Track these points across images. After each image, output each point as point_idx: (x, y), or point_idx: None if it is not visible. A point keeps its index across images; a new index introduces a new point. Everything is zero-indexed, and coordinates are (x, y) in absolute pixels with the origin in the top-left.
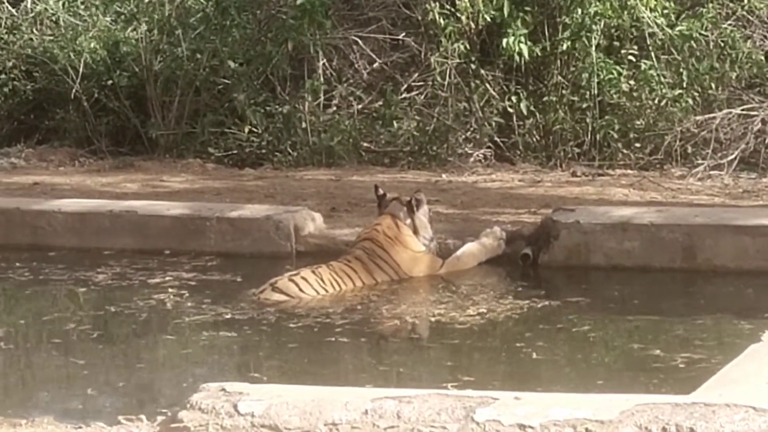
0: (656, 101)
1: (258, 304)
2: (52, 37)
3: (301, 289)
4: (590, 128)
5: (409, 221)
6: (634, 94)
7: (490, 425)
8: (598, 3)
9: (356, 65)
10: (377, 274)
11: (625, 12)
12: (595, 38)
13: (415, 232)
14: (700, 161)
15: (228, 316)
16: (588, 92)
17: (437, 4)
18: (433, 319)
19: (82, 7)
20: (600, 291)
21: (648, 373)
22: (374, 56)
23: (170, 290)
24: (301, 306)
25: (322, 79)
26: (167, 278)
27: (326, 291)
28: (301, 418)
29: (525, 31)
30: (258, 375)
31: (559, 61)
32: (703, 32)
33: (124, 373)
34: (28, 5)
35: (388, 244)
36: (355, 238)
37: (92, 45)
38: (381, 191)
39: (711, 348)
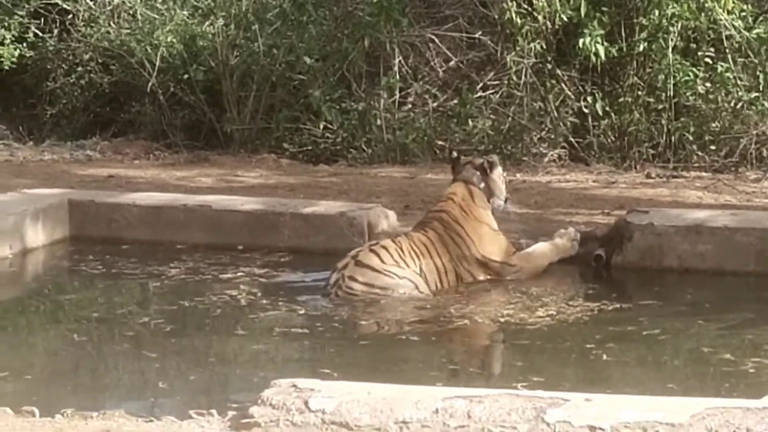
0: (732, 104)
1: (334, 297)
2: (129, 31)
3: (382, 260)
4: (665, 130)
5: (483, 185)
6: (710, 96)
7: (561, 426)
8: (675, 5)
9: (432, 63)
10: (452, 248)
11: (702, 14)
12: (671, 40)
13: (491, 195)
14: None
15: (301, 312)
16: (664, 94)
17: (514, 3)
18: (502, 319)
19: (160, 0)
20: (672, 294)
21: (718, 378)
22: (450, 54)
23: (242, 286)
24: (373, 305)
25: (397, 76)
26: (239, 274)
27: (405, 263)
28: (371, 416)
29: (601, 31)
30: (329, 371)
31: (635, 62)
32: None
33: (196, 368)
34: None
35: (463, 217)
36: (432, 206)
37: (169, 39)
38: (455, 153)
39: None
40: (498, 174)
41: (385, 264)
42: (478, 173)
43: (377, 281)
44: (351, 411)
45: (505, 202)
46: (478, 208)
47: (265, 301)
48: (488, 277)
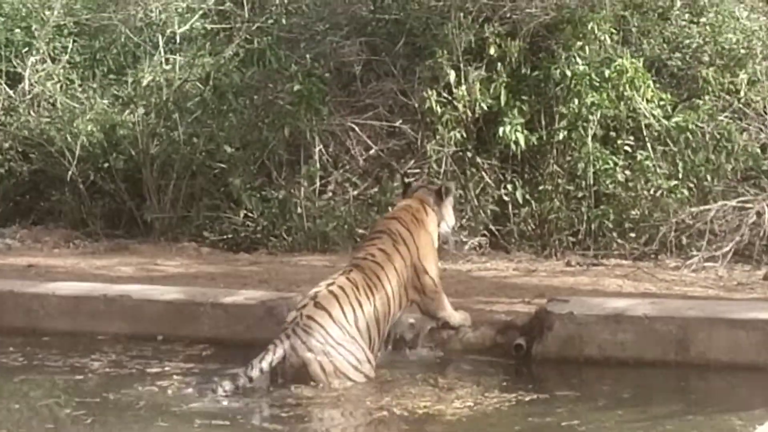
0: (652, 192)
1: (291, 333)
2: (49, 119)
3: (340, 304)
4: (585, 217)
5: (436, 208)
6: (630, 184)
7: None
8: (594, 93)
9: (352, 151)
10: (397, 260)
11: (622, 103)
12: (591, 128)
13: (441, 219)
14: (694, 252)
15: (223, 405)
16: (584, 182)
17: (434, 92)
18: (420, 411)
19: (80, 89)
20: (592, 385)
21: None
22: (370, 143)
23: (165, 379)
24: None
25: (318, 164)
26: (166, 368)
27: (360, 306)
28: None
29: (521, 120)
30: None
31: (555, 150)
32: (699, 124)
33: None
34: (26, 87)
35: (414, 225)
36: (380, 218)
37: (89, 128)
38: (407, 180)
39: None
40: (450, 202)
41: (343, 307)
42: (434, 195)
43: (330, 337)
44: None
45: (452, 232)
46: (429, 223)
47: (187, 393)
48: (411, 301)
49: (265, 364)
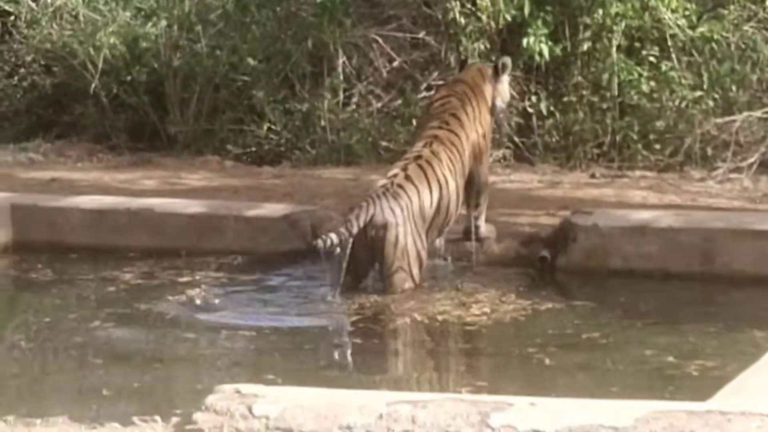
0: (676, 103)
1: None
2: (71, 32)
3: (428, 179)
4: (610, 129)
5: (493, 82)
6: (655, 95)
7: (506, 430)
8: (619, 4)
9: (376, 64)
10: (467, 123)
11: (646, 13)
12: (615, 39)
13: (497, 95)
14: (719, 164)
15: (246, 317)
16: (608, 93)
17: (458, 2)
18: (440, 318)
19: (102, 2)
20: (614, 296)
21: (661, 380)
22: (394, 55)
23: (191, 290)
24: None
25: (341, 77)
26: (196, 277)
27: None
28: (315, 422)
29: (546, 31)
30: (273, 377)
31: (579, 62)
32: (724, 34)
33: (141, 373)
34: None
35: (478, 88)
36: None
37: (112, 40)
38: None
39: (724, 356)
40: (507, 79)
41: (431, 190)
42: (492, 70)
43: (412, 216)
44: (295, 417)
45: (503, 115)
46: (486, 93)
47: (212, 305)
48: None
49: (361, 221)
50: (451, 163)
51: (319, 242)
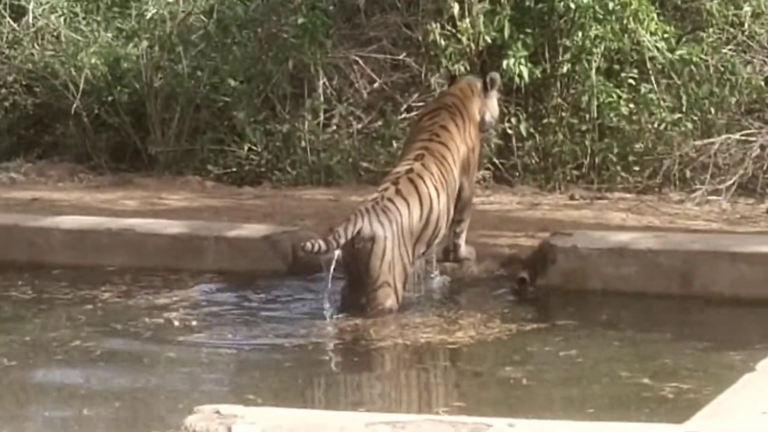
0: (655, 125)
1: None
2: (53, 52)
3: (419, 193)
4: (589, 151)
5: (482, 96)
6: (634, 117)
7: None
8: (598, 26)
9: (356, 85)
10: (456, 136)
11: (626, 35)
12: (595, 61)
13: (485, 109)
14: (698, 186)
15: (228, 336)
16: (587, 115)
17: (438, 25)
18: (422, 341)
19: (84, 22)
20: (593, 316)
21: (639, 402)
22: (374, 76)
23: (172, 311)
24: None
25: (322, 98)
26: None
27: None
28: None
29: (525, 53)
30: (253, 397)
31: (559, 84)
32: (703, 57)
33: (122, 393)
34: (30, 20)
35: (467, 100)
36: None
37: (93, 61)
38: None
39: (700, 378)
40: (495, 95)
41: (421, 204)
42: (481, 85)
43: (402, 231)
44: None
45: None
46: (474, 106)
47: (191, 325)
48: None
49: (348, 233)
50: (441, 176)
51: (308, 245)
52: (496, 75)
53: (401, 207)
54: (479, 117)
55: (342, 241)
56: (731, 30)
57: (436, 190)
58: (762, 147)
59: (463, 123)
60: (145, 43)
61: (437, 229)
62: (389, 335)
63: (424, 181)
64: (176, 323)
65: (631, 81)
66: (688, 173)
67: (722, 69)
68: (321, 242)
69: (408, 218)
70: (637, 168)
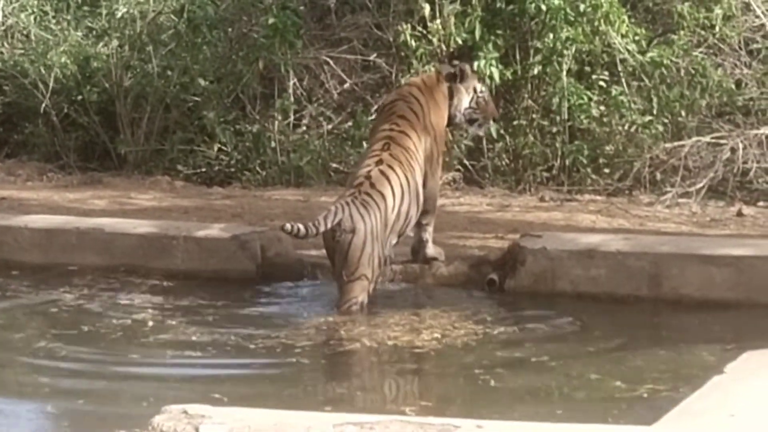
0: (626, 127)
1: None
2: (22, 51)
3: (391, 185)
4: (560, 153)
5: (450, 85)
6: (604, 119)
7: None
8: (569, 28)
9: (327, 85)
10: (417, 124)
11: (597, 38)
12: (566, 63)
13: (451, 98)
14: (668, 188)
15: (194, 336)
16: (558, 117)
17: (409, 26)
18: (390, 342)
19: (54, 21)
20: (562, 318)
21: (608, 404)
22: (345, 77)
23: (140, 310)
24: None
25: (292, 98)
26: (137, 300)
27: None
28: None
29: (496, 54)
30: (220, 397)
31: (529, 85)
32: (674, 59)
33: (87, 392)
34: (0, 19)
35: (427, 89)
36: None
37: (63, 60)
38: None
39: (671, 380)
40: (466, 87)
41: (394, 195)
42: (450, 74)
43: (379, 225)
44: None
45: (479, 126)
46: (440, 94)
47: (159, 325)
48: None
49: (329, 222)
50: (409, 163)
51: (287, 226)
52: (466, 66)
53: (378, 200)
54: (445, 107)
55: (321, 228)
56: (702, 33)
57: (407, 178)
58: (732, 150)
59: (421, 110)
60: (115, 43)
61: (408, 219)
62: (359, 336)
63: (395, 171)
64: (145, 323)
65: (601, 83)
66: (658, 176)
67: (693, 72)
68: (300, 226)
69: (384, 211)
70: (607, 170)
